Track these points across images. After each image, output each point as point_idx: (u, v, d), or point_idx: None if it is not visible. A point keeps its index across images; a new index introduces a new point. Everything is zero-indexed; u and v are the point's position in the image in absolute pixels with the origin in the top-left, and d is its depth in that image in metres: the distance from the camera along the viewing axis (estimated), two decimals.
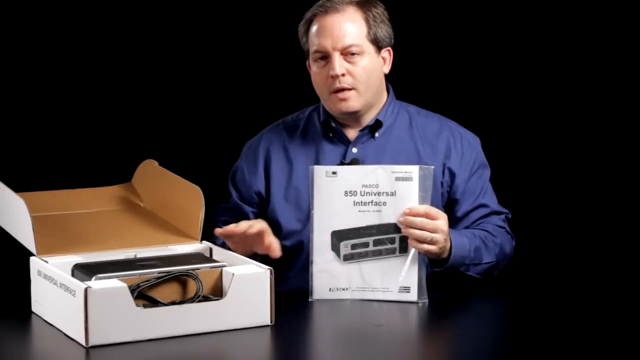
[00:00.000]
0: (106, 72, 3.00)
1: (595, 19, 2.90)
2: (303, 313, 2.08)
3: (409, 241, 2.10)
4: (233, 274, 1.89)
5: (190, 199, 2.14)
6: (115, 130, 3.01)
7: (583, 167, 2.94)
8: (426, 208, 2.10)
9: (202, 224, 2.12)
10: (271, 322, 1.92)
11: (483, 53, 2.99)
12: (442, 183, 2.36)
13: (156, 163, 2.34)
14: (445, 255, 2.17)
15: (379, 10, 2.36)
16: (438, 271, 2.21)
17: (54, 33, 2.95)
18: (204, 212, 2.11)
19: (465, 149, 2.40)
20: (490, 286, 2.29)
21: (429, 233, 2.09)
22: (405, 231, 2.09)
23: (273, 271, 1.92)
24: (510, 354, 1.81)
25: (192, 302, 1.87)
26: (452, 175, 2.37)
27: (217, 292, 1.92)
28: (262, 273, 1.91)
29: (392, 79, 2.44)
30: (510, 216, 2.43)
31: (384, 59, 2.37)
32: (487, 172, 2.43)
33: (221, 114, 3.04)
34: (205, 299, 1.90)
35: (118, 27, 2.99)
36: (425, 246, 2.10)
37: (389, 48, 2.39)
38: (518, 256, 2.42)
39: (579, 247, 2.90)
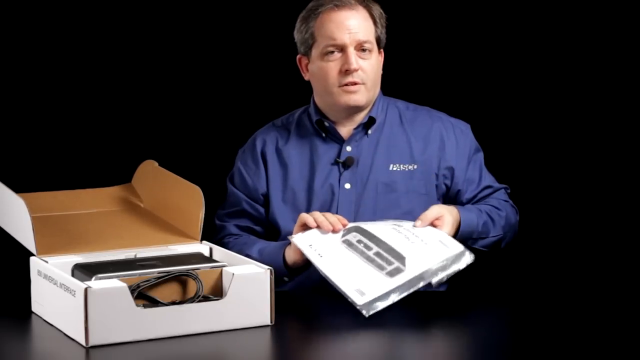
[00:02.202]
0: (106, 72, 3.00)
1: (578, 9, 2.92)
2: (303, 313, 2.08)
3: None
4: (233, 274, 1.89)
5: (190, 199, 2.14)
6: (115, 131, 3.01)
7: (575, 156, 2.95)
8: (421, 218, 2.15)
9: (202, 224, 2.12)
10: (271, 322, 1.92)
11: (468, 46, 3.00)
12: (437, 175, 2.37)
13: (156, 163, 2.34)
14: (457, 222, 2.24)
15: (382, 13, 2.39)
16: None
17: (54, 33, 2.95)
18: (204, 212, 2.11)
19: (458, 137, 2.42)
20: (489, 286, 2.29)
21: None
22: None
23: (273, 271, 1.92)
24: (511, 355, 1.81)
25: (192, 302, 1.87)
26: (451, 168, 2.38)
27: (217, 292, 1.92)
28: (262, 273, 1.91)
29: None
30: (509, 191, 2.48)
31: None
32: (481, 155, 2.47)
33: (221, 114, 3.05)
34: (205, 299, 1.90)
35: (118, 27, 2.99)
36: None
37: (382, 50, 2.41)
38: (515, 251, 2.43)
39: (575, 240, 2.90)
